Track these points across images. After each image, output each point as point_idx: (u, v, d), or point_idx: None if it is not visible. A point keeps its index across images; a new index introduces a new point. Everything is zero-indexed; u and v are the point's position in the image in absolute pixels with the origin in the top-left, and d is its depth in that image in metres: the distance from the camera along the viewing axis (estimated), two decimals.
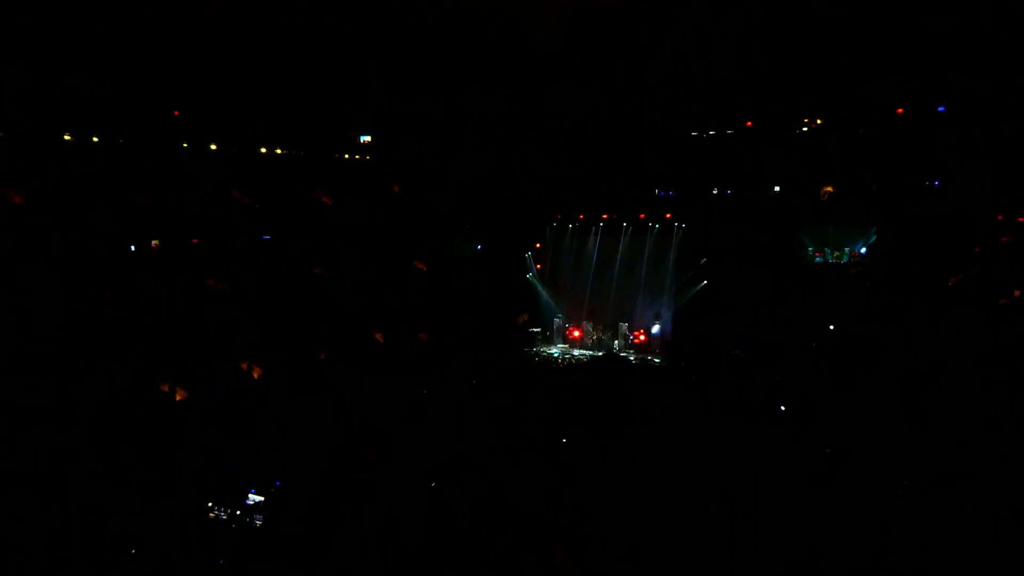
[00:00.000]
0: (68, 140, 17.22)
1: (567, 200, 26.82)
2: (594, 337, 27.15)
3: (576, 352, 26.48)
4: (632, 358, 25.13)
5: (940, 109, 20.41)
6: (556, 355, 25.89)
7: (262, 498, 12.42)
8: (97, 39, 12.72)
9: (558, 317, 28.03)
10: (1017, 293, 19.53)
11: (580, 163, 24.01)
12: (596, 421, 16.42)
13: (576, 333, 27.45)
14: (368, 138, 24.10)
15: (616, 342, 26.62)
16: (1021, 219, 20.12)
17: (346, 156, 24.02)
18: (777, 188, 24.23)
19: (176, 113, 19.25)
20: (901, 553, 9.97)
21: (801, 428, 15.58)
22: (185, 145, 19.54)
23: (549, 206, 27.40)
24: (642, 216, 26.70)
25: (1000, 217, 20.45)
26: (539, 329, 27.87)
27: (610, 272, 27.59)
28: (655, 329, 26.41)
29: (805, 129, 23.22)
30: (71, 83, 15.98)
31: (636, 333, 26.61)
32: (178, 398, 17.43)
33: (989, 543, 9.86)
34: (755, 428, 15.28)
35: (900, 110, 20.96)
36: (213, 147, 20.08)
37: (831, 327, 22.35)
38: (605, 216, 27.34)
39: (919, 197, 21.41)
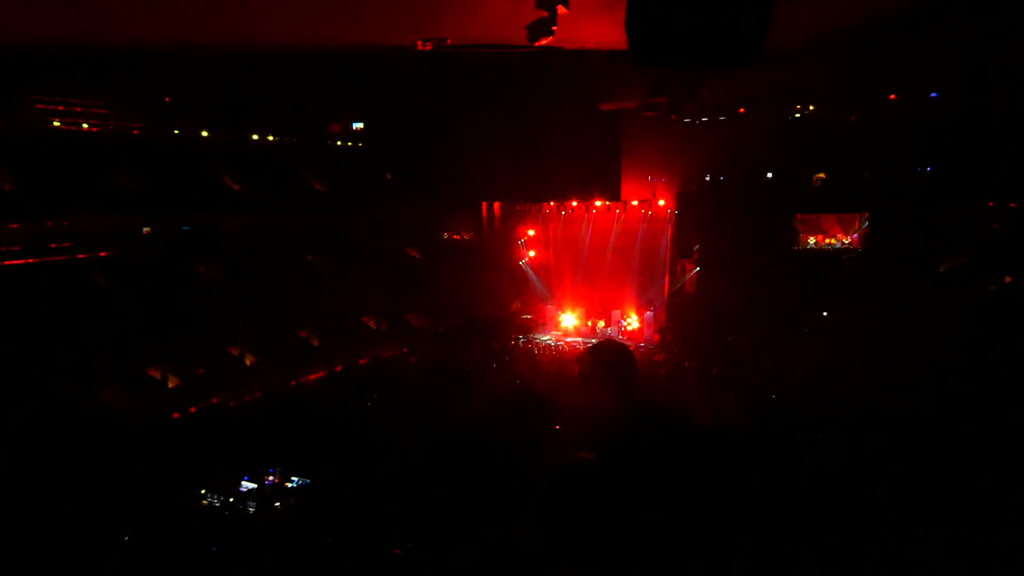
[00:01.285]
0: (57, 127, 17.12)
1: (559, 187, 26.76)
2: (587, 324, 27.28)
3: (570, 339, 26.57)
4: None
5: (932, 95, 20.39)
6: (549, 342, 25.96)
7: (255, 485, 12.45)
8: (89, 23, 12.62)
9: (550, 304, 28.13)
10: (1008, 280, 19.62)
11: (573, 150, 23.92)
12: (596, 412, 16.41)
13: (568, 321, 27.52)
14: (360, 125, 23.99)
15: (609, 329, 26.71)
16: (1013, 205, 20.18)
17: (338, 143, 23.91)
18: (770, 175, 24.24)
19: (167, 99, 19.12)
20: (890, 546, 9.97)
21: (794, 416, 15.64)
22: (176, 132, 19.43)
23: (541, 193, 27.37)
24: (635, 203, 26.74)
25: (991, 204, 20.51)
26: (531, 316, 27.98)
27: (602, 259, 27.66)
28: (647, 315, 26.48)
29: (798, 116, 23.21)
30: (57, 67, 15.84)
31: (628, 321, 26.69)
32: (170, 385, 17.43)
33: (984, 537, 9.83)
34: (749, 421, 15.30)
35: (892, 96, 20.95)
36: (204, 133, 19.98)
37: (824, 313, 22.45)
38: (597, 203, 27.37)
39: (911, 184, 21.44)
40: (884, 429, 14.15)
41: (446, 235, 27.63)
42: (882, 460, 12.71)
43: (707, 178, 25.40)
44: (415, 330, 24.46)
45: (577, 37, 12.23)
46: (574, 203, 27.87)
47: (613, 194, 26.88)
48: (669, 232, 26.51)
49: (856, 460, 12.87)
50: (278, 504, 12.08)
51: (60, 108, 17.20)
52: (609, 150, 25.29)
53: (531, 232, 28.62)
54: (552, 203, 28.15)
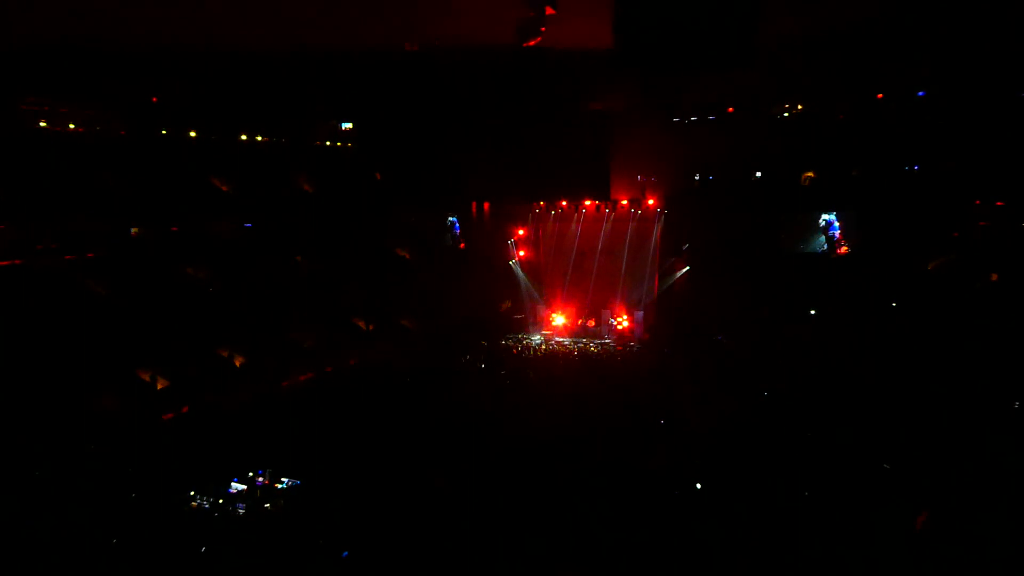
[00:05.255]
0: (44, 127, 17.04)
1: (548, 187, 26.81)
2: (577, 323, 27.32)
3: (560, 339, 26.62)
4: (613, 344, 25.35)
5: (919, 94, 20.49)
6: (538, 342, 25.97)
7: (244, 487, 12.43)
8: (77, 25, 12.60)
9: (540, 304, 28.16)
10: (995, 277, 19.71)
11: (562, 150, 23.99)
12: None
13: (559, 320, 27.54)
14: (349, 125, 23.96)
15: (599, 328, 26.77)
16: (999, 203, 20.28)
17: (327, 143, 23.87)
18: (759, 174, 24.29)
19: (155, 100, 19.05)
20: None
21: (783, 412, 15.72)
22: (164, 132, 19.36)
23: (531, 193, 27.40)
24: (624, 202, 26.77)
25: (978, 202, 20.60)
26: (521, 316, 27.99)
27: (592, 258, 27.68)
28: (637, 314, 26.54)
29: (786, 115, 23.28)
30: (44, 68, 15.78)
31: (619, 320, 26.72)
32: (159, 387, 17.36)
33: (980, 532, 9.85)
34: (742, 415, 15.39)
35: (880, 95, 21.04)
36: (192, 134, 19.91)
37: (812, 312, 22.52)
38: (587, 202, 27.41)
39: (899, 182, 21.52)
40: (875, 423, 14.25)
41: (436, 235, 27.59)
42: (873, 454, 12.79)
43: (696, 177, 25.43)
44: (405, 331, 24.43)
45: (566, 38, 12.25)
46: (564, 203, 27.89)
47: (602, 194, 26.91)
48: (658, 231, 26.54)
49: (848, 454, 12.95)
50: (268, 505, 12.07)
51: (46, 109, 17.12)
52: (598, 150, 25.33)
53: (521, 232, 28.62)
54: (542, 203, 28.15)
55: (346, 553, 10.05)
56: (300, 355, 20.85)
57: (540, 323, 27.98)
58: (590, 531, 10.31)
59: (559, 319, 27.59)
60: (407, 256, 25.31)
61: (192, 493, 12.19)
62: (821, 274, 22.93)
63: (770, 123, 23.44)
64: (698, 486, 11.86)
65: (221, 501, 12.07)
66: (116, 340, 16.60)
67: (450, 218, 27.62)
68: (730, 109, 23.83)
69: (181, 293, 18.76)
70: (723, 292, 23.03)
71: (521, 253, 28.56)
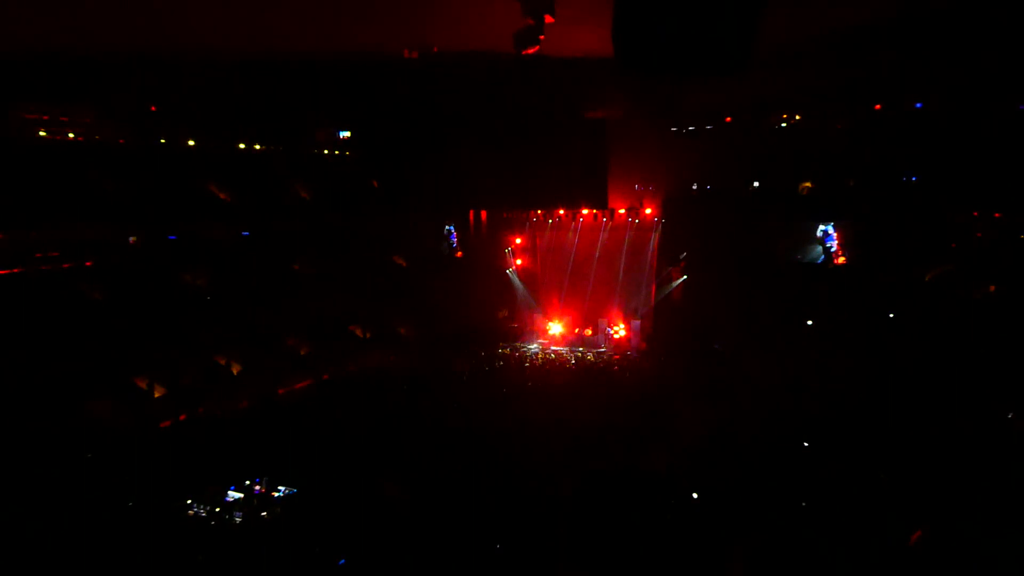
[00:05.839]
0: (43, 136, 17.03)
1: (546, 196, 26.82)
2: (574, 332, 27.34)
3: (556, 348, 26.61)
4: (610, 354, 25.33)
5: (917, 105, 20.55)
6: (535, 351, 25.97)
7: (242, 495, 12.40)
8: (76, 33, 12.64)
9: (537, 312, 28.18)
10: (992, 288, 19.74)
11: (560, 159, 24.01)
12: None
13: (555, 329, 27.55)
14: (347, 133, 23.98)
15: (597, 337, 26.79)
16: (997, 215, 20.32)
17: (325, 151, 23.88)
18: (756, 183, 24.33)
19: (153, 108, 19.06)
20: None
21: (780, 422, 15.71)
22: (163, 140, 19.36)
23: (528, 202, 27.43)
24: (622, 211, 26.82)
25: (976, 213, 20.64)
26: (518, 325, 28.02)
27: (589, 267, 27.72)
28: (634, 323, 26.56)
29: (784, 125, 23.32)
30: (43, 77, 15.79)
31: (616, 329, 26.74)
32: (156, 395, 17.33)
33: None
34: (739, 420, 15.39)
35: (878, 106, 21.09)
36: (191, 142, 19.92)
37: (809, 322, 22.53)
38: (585, 211, 27.46)
39: (896, 193, 21.56)
40: (871, 433, 14.24)
41: (433, 243, 27.63)
42: (870, 464, 12.77)
43: (694, 186, 25.48)
44: (402, 338, 24.42)
45: (564, 46, 12.28)
46: (561, 211, 27.94)
47: (600, 202, 26.96)
48: (656, 240, 26.60)
49: (844, 464, 12.93)
50: (265, 513, 12.03)
51: (46, 118, 17.11)
52: (596, 158, 25.37)
53: (518, 240, 28.66)
54: (539, 211, 28.21)
55: (343, 561, 10.02)
56: (297, 363, 20.84)
57: (537, 332, 28.00)
58: (589, 537, 10.28)
59: (556, 328, 27.61)
60: (404, 264, 25.31)
61: (189, 501, 12.16)
62: (818, 284, 22.95)
63: (768, 133, 23.47)
64: (694, 496, 11.86)
65: (218, 509, 12.04)
66: (114, 348, 16.58)
67: (447, 226, 27.66)
68: (728, 119, 23.89)
69: (179, 300, 18.74)
70: (720, 301, 23.05)
71: (518, 262, 28.60)
